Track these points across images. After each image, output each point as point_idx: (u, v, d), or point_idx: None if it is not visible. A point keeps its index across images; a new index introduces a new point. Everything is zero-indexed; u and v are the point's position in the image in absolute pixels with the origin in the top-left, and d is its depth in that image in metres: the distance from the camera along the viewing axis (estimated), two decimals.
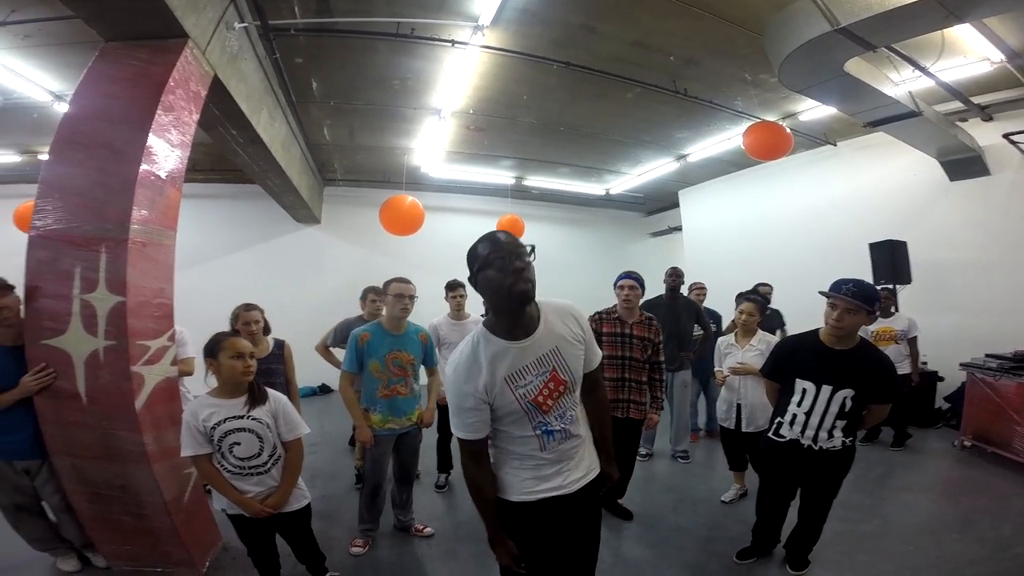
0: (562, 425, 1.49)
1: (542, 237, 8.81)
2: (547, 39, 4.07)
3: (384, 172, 7.60)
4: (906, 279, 5.21)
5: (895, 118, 4.59)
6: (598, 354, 1.64)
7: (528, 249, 1.39)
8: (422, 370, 3.04)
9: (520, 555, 1.52)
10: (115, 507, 2.46)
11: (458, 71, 4.47)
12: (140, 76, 2.60)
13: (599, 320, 3.17)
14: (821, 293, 2.30)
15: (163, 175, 2.60)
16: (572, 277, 8.88)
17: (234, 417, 2.04)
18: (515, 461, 1.51)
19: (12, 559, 2.66)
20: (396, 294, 2.77)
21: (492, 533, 1.53)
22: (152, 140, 2.50)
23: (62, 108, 4.57)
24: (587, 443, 1.61)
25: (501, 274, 1.34)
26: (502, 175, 7.99)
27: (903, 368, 4.56)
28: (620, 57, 4.37)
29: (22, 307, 2.35)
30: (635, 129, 6.24)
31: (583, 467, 1.56)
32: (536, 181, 8.31)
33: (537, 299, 1.45)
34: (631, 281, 3.10)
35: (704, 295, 5.05)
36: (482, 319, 1.54)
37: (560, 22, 3.87)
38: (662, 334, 3.17)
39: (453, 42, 3.89)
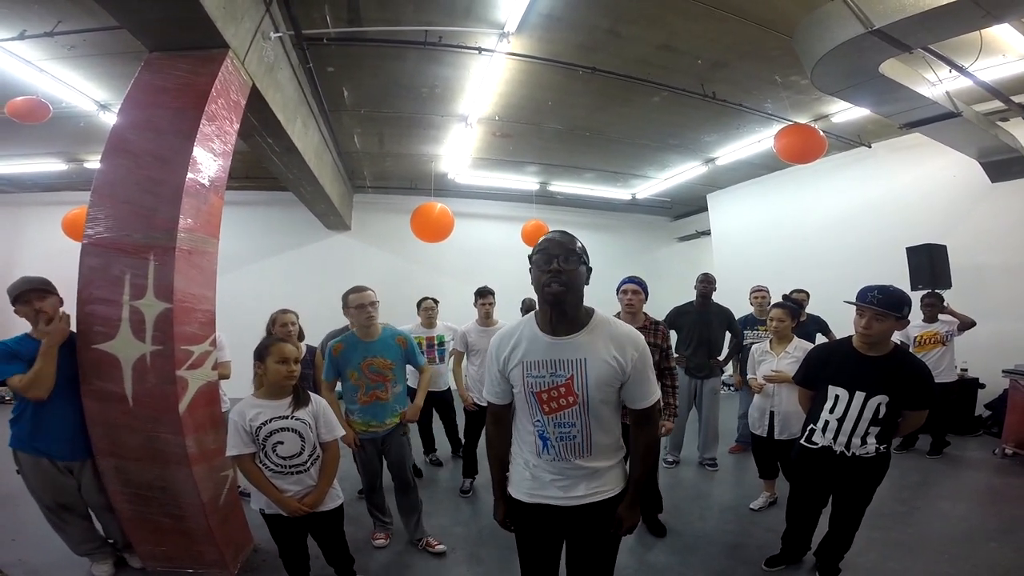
0: (559, 439, 1.49)
1: None
2: (573, 44, 4.09)
3: (412, 179, 7.73)
4: (946, 284, 5.03)
5: (933, 119, 4.47)
6: (650, 394, 1.53)
7: (578, 254, 1.45)
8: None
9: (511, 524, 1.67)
10: (155, 508, 2.52)
11: (484, 78, 4.52)
12: (185, 86, 2.70)
13: None
14: (847, 302, 2.28)
15: (207, 183, 2.70)
16: (598, 282, 8.66)
17: (279, 417, 2.14)
18: (520, 459, 1.60)
19: (46, 560, 2.68)
20: (357, 305, 2.78)
21: (494, 490, 1.67)
22: (197, 149, 2.59)
23: (108, 117, 4.79)
24: (602, 472, 1.55)
25: (538, 272, 1.44)
26: (528, 181, 8.02)
27: (946, 376, 4.45)
28: (646, 61, 4.36)
29: (61, 310, 2.44)
30: (662, 133, 6.20)
31: (585, 487, 1.52)
32: (561, 186, 8.31)
33: (600, 313, 1.52)
34: (634, 286, 3.07)
35: (765, 300, 4.73)
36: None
37: (586, 27, 3.88)
38: (669, 339, 3.10)
39: (480, 49, 3.95)
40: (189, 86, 2.71)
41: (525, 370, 1.49)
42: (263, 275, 7.82)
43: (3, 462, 2.54)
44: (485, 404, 4.01)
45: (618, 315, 3.10)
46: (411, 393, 3.21)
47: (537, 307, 1.55)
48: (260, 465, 2.14)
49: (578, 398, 1.46)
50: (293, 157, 4.78)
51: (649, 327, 3.05)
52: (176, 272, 2.44)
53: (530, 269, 1.49)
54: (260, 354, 2.17)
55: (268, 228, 8.05)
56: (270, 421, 2.12)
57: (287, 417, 2.15)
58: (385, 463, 2.96)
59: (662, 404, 3.05)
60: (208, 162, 2.71)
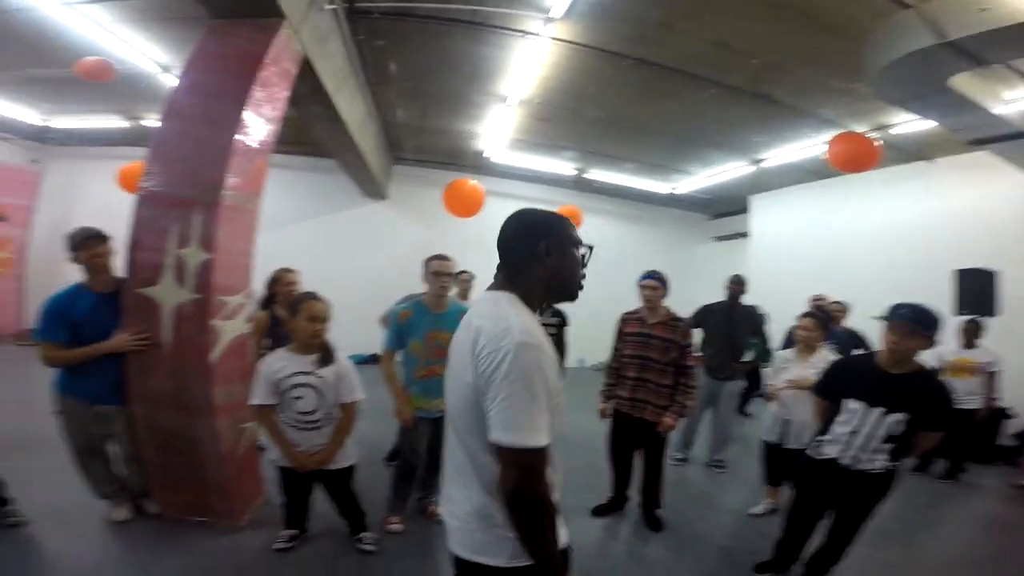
0: None
1: (601, 232, 8.72)
2: (618, 34, 4.05)
3: (450, 154, 7.81)
4: (991, 311, 4.79)
5: (1003, 138, 4.28)
6: None
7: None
8: None
9: None
10: (176, 456, 2.59)
11: (527, 60, 4.53)
12: (241, 53, 2.83)
13: (624, 320, 3.20)
14: (877, 318, 2.24)
15: (254, 146, 2.83)
16: (628, 274, 8.77)
17: (302, 372, 2.25)
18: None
19: (70, 502, 2.70)
20: (435, 271, 2.71)
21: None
22: (247, 113, 2.72)
23: (167, 79, 5.01)
24: None
25: (580, 266, 1.28)
26: (564, 166, 7.98)
27: (974, 402, 4.29)
28: (698, 57, 4.27)
29: (113, 257, 2.59)
30: (707, 130, 6.07)
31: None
32: (598, 175, 8.25)
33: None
34: (653, 281, 3.04)
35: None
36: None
37: (635, 18, 3.83)
38: (689, 337, 3.05)
39: (524, 32, 3.95)
40: (244, 53, 2.83)
41: (556, 369, 1.15)
42: (299, 236, 8.04)
43: (43, 406, 2.66)
44: None
45: (639, 308, 3.14)
46: None
47: (533, 292, 1.27)
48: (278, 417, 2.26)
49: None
50: (338, 125, 4.90)
51: (669, 322, 3.04)
52: (219, 226, 2.57)
53: (549, 242, 1.23)
54: (293, 309, 2.28)
55: (308, 192, 8.27)
56: (293, 375, 2.23)
57: (310, 373, 2.25)
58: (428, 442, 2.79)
59: (670, 401, 3.03)
60: (257, 126, 2.84)
